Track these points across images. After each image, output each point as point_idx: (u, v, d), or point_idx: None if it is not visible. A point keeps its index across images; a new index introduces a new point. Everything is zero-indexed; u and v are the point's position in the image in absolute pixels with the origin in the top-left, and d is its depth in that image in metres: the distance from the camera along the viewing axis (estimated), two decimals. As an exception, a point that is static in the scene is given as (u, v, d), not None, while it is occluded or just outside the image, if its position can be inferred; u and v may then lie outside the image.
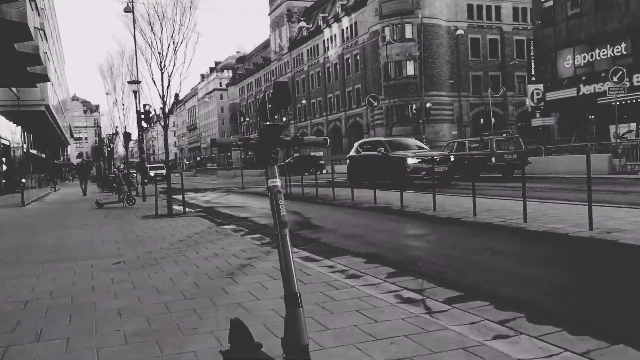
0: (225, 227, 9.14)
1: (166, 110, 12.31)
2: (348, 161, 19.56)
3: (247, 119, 73.26)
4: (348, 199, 12.66)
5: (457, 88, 58.21)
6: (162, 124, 12.52)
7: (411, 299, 4.05)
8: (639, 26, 29.11)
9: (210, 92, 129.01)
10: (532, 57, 36.63)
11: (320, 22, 73.88)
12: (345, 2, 68.21)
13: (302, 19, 74.21)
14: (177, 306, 4.09)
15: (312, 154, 56.62)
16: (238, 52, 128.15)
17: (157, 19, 11.91)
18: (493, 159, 16.95)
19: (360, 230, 8.49)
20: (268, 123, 2.25)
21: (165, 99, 12.07)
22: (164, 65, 12.02)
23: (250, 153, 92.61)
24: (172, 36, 11.82)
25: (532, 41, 36.81)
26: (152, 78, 12.05)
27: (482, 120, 57.87)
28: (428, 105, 43.49)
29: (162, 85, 12.02)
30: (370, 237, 7.73)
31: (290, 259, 2.00)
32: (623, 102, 30.52)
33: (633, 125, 30.87)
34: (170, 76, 12.02)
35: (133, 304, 4.22)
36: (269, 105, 18.33)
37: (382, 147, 16.86)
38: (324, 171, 42.43)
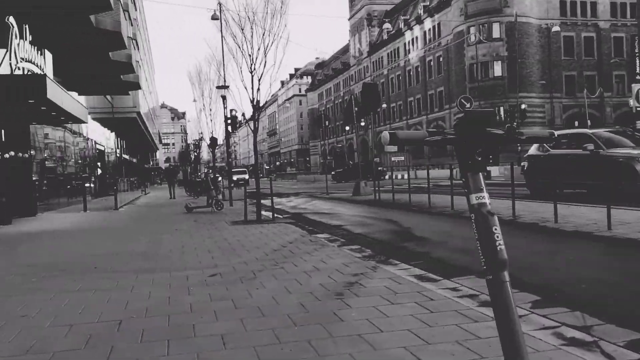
0: (319, 235, 8.57)
1: (256, 115, 11.98)
2: (526, 163, 15.01)
3: (328, 124, 73.34)
4: (446, 207, 11.73)
5: (549, 89, 55.03)
6: (252, 127, 12.20)
7: (578, 340, 3.20)
8: None
9: (290, 98, 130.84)
10: (637, 54, 33.59)
11: (402, 25, 72.70)
12: (428, 4, 66.65)
13: (385, 20, 73.27)
14: (287, 335, 3.49)
15: (375, 159, 55.58)
16: (317, 58, 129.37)
17: (247, 21, 11.61)
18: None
19: (473, 244, 7.55)
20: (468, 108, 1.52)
21: (255, 102, 11.75)
22: (254, 68, 11.70)
23: (329, 158, 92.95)
24: (262, 37, 11.47)
25: (636, 37, 33.76)
26: (243, 81, 11.76)
27: (576, 123, 54.27)
28: (523, 106, 41.19)
29: (252, 88, 11.71)
30: None
31: (517, 325, 1.31)
32: None
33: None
34: (260, 79, 11.69)
35: (236, 329, 3.67)
36: (356, 109, 17.73)
37: (591, 143, 12.03)
38: (386, 177, 41.46)
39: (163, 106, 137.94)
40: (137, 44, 34.35)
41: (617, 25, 56.72)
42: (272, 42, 11.61)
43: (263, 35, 11.53)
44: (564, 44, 55.93)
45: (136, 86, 28.30)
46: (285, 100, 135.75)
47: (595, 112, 55.19)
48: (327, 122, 29.40)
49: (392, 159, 52.08)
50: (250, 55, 11.61)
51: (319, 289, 4.79)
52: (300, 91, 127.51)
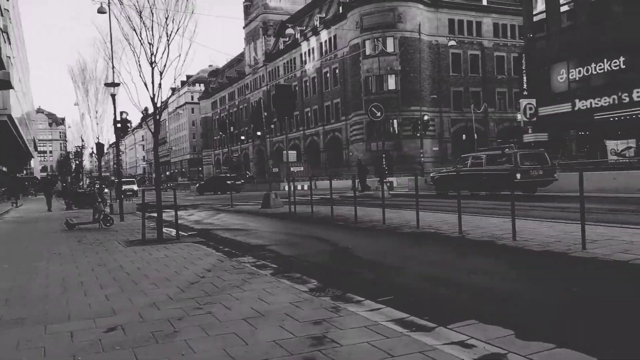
0: (242, 260, 7.05)
1: (157, 114, 10.18)
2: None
3: (233, 129, 71.02)
4: (375, 221, 10.67)
5: (439, 103, 57.24)
6: (152, 130, 10.36)
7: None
8: (637, 40, 28.24)
9: (182, 106, 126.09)
10: (524, 71, 35.57)
11: (298, 35, 72.43)
12: (324, 15, 66.95)
13: (289, 25, 72.43)
14: None
15: (273, 169, 54.55)
16: (210, 65, 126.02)
17: (147, 2, 9.81)
18: (518, 175, 15.23)
19: (438, 269, 6.37)
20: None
21: (155, 100, 9.95)
22: (155, 60, 9.92)
23: (225, 168, 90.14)
24: (165, 23, 9.74)
25: (523, 55, 35.78)
26: (141, 75, 9.91)
27: (464, 137, 56.92)
28: (426, 117, 41.98)
29: (153, 83, 9.91)
30: (471, 283, 5.64)
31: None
32: (621, 118, 29.65)
33: (632, 142, 29.90)
34: (162, 72, 9.93)
35: None
36: (265, 113, 16.31)
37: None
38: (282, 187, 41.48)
39: (39, 111, 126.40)
40: (8, 38, 30.27)
41: (499, 45, 60.54)
42: (177, 30, 9.93)
43: (166, 20, 9.81)
44: (452, 60, 58.57)
45: (6, 85, 24.66)
46: (176, 107, 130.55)
47: (480, 127, 58.22)
48: (231, 128, 27.68)
49: (292, 169, 51.22)
50: (150, 44, 9.83)
51: (277, 352, 3.34)
52: (192, 99, 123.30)
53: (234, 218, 14.23)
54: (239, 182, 44.67)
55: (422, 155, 41.42)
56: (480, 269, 5.95)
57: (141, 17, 9.92)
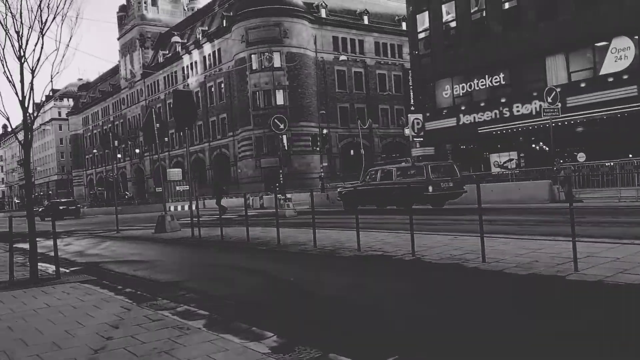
0: (156, 305, 5.37)
1: (29, 120, 8.07)
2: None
3: (118, 143, 65.76)
4: (302, 244, 9.31)
5: (326, 119, 57.43)
6: (21, 141, 8.23)
7: None
8: (516, 57, 29.98)
9: (48, 122, 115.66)
10: (411, 87, 36.49)
11: (179, 49, 69.41)
12: (207, 29, 64.81)
13: (175, 33, 68.74)
14: None
15: (157, 189, 51.38)
16: (80, 79, 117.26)
17: (13, -20, 7.75)
18: (430, 188, 14.81)
19: (434, 309, 5.12)
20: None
21: (26, 103, 7.88)
22: (24, 54, 7.88)
23: (100, 189, 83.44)
24: (39, 8, 7.75)
25: (409, 70, 36.71)
26: (6, 71, 7.79)
27: (352, 152, 57.66)
28: (325, 131, 41.35)
29: (22, 82, 7.83)
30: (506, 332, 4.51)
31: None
32: (503, 132, 31.23)
33: (514, 154, 31.61)
34: (35, 70, 7.90)
35: None
36: (157, 125, 14.39)
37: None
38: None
39: None
40: None
41: (381, 63, 62.45)
42: (53, 18, 7.98)
43: (40, 5, 7.81)
44: (337, 77, 59.32)
45: None
46: (40, 124, 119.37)
47: (366, 142, 59.28)
48: (116, 142, 24.63)
49: (177, 188, 48.16)
50: (18, 34, 7.76)
51: None
52: (60, 115, 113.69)
53: (125, 247, 12.09)
54: (73, 208, 43.21)
55: (322, 171, 40.81)
56: (494, 310, 4.84)
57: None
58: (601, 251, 6.16)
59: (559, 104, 17.20)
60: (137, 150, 79.23)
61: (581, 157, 27.52)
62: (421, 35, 36.10)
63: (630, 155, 25.53)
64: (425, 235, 8.47)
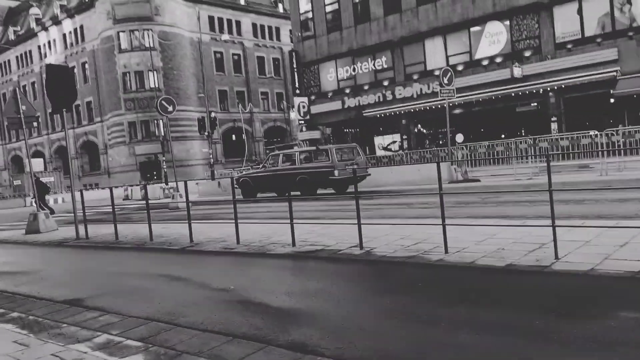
0: (63, 333, 4.11)
1: None
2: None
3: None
4: (221, 242, 8.21)
5: (205, 103, 55.06)
6: None
7: None
8: (397, 41, 30.59)
9: None
10: (295, 70, 35.89)
11: (33, 24, 62.35)
12: (66, 3, 58.80)
13: (33, 4, 61.15)
14: None
15: (15, 182, 45.96)
16: None
17: None
18: (336, 172, 14.24)
19: (426, 326, 4.41)
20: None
21: None
22: None
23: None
24: None
25: (294, 53, 36.07)
26: None
27: (234, 137, 56.09)
28: (213, 115, 39.14)
29: None
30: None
31: None
32: (384, 115, 31.85)
33: (397, 137, 32.41)
34: None
35: None
36: (23, 107, 12.23)
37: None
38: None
39: None
40: None
41: (259, 46, 61.10)
42: None
43: None
44: (215, 59, 57.04)
45: None
46: None
47: (248, 127, 57.99)
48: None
49: (41, 179, 43.37)
50: None
51: None
52: None
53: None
54: None
55: (210, 157, 38.86)
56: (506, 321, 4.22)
57: None
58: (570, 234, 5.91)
59: (454, 86, 17.43)
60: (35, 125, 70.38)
61: (459, 137, 28.88)
62: (304, 17, 35.58)
63: (503, 136, 27.37)
64: (347, 225, 7.75)
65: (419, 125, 32.60)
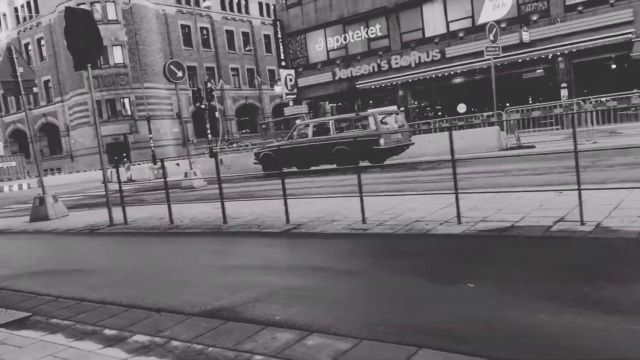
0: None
1: None
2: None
3: None
4: (312, 221, 6.51)
5: (201, 79, 52.12)
6: None
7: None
8: (392, 6, 28.92)
9: None
10: (280, 41, 33.75)
11: (-21, -2, 57.35)
12: (16, -27, 54.23)
13: None
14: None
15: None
16: None
17: None
18: (382, 141, 12.57)
19: None
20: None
21: None
22: None
23: None
24: None
25: (278, 22, 33.88)
26: None
27: (206, 115, 53.32)
28: (210, 85, 36.51)
29: None
30: None
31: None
32: (379, 86, 30.30)
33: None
34: None
35: None
36: (20, 69, 10.05)
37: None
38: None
39: None
40: None
41: (227, 19, 58.18)
42: None
43: None
44: (182, 33, 53.89)
45: None
46: None
47: (220, 105, 55.33)
48: None
49: (2, 165, 39.99)
50: None
51: None
52: None
53: (6, 246, 7.96)
54: None
55: (209, 133, 36.48)
56: None
57: None
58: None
59: (499, 44, 15.92)
60: (35, 90, 65.11)
61: (461, 108, 27.67)
62: (288, -17, 33.38)
63: (508, 104, 26.33)
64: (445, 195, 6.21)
65: (417, 96, 31.10)
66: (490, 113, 20.65)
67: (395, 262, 4.45)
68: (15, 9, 53.68)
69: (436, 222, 5.38)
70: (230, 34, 58.46)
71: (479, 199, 6.40)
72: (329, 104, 36.46)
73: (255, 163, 15.46)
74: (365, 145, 12.66)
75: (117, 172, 8.45)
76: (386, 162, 14.03)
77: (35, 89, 10.59)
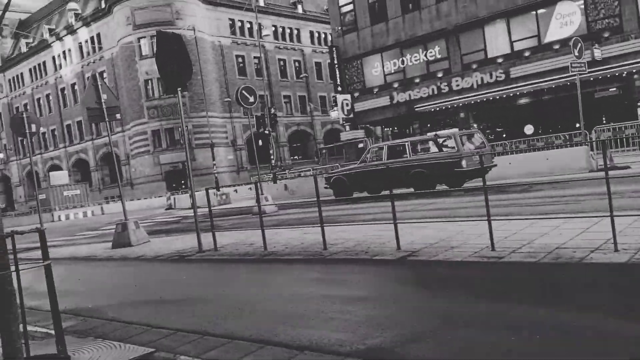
0: None
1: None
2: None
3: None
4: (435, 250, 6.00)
5: (229, 109, 53.04)
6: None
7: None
8: (452, 28, 28.44)
9: None
10: (336, 66, 33.74)
11: (47, 35, 60.53)
12: (80, 11, 56.97)
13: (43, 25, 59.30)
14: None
15: (40, 196, 43.84)
16: None
17: None
18: (464, 162, 11.97)
19: None
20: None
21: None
22: None
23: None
24: None
25: (334, 48, 33.93)
26: None
27: (260, 142, 53.81)
28: (273, 111, 36.99)
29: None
30: None
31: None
32: (438, 109, 29.64)
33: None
34: None
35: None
36: (104, 96, 10.09)
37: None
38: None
39: None
40: None
41: (280, 48, 59.09)
42: None
43: None
44: (237, 62, 55.01)
45: None
46: None
47: (274, 132, 55.81)
48: (32, 127, 17.88)
49: (65, 193, 41.29)
50: None
51: None
52: None
53: (104, 274, 7.79)
54: None
55: (272, 159, 36.63)
56: None
57: None
58: None
59: (585, 60, 15.14)
60: (1, 155, 68.58)
61: (528, 129, 26.69)
62: (344, 10, 33.49)
63: (577, 125, 25.15)
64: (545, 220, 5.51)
65: (480, 118, 30.18)
66: (575, 132, 19.68)
67: (569, 299, 3.88)
68: (80, 45, 56.22)
69: (584, 249, 4.77)
70: (282, 62, 59.27)
71: (606, 222, 5.73)
72: (384, 128, 36.03)
73: (325, 187, 15.10)
74: (446, 167, 12.08)
75: (207, 196, 8.14)
76: (465, 186, 13.36)
77: (118, 116, 10.62)
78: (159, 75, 8.02)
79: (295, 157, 60.80)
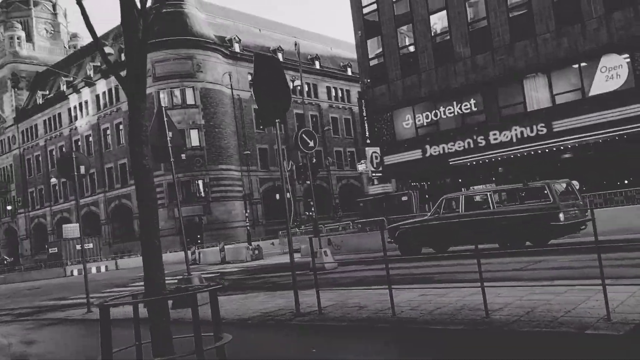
0: None
1: None
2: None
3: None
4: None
5: (246, 162, 52.13)
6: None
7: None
8: (489, 81, 27.73)
9: None
10: (365, 118, 32.93)
11: (64, 87, 60.65)
12: (99, 64, 57.24)
13: (59, 72, 59.58)
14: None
15: (50, 250, 42.54)
16: None
17: None
18: (562, 216, 10.52)
19: None
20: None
21: None
22: None
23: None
24: None
25: (363, 101, 33.23)
26: None
27: (277, 196, 52.71)
28: (314, 160, 35.78)
29: None
30: None
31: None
32: (475, 163, 28.50)
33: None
34: None
35: None
36: (170, 134, 8.86)
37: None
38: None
39: None
40: None
41: (298, 102, 58.95)
42: None
43: None
44: (255, 116, 54.66)
45: None
46: None
47: (291, 186, 54.74)
48: (83, 168, 16.81)
49: (77, 247, 39.50)
50: None
51: None
52: None
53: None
54: None
55: (313, 212, 35.36)
56: None
57: None
58: None
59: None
60: (9, 207, 67.42)
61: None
62: (374, 62, 33.03)
63: (626, 182, 23.92)
64: None
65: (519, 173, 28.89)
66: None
67: None
68: (97, 97, 56.11)
69: None
70: (300, 117, 58.96)
71: None
72: (411, 182, 34.78)
73: (389, 242, 13.65)
74: (539, 221, 10.66)
75: (311, 246, 6.74)
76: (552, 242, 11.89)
77: (183, 156, 9.37)
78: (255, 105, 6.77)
79: (307, 212, 59.69)
